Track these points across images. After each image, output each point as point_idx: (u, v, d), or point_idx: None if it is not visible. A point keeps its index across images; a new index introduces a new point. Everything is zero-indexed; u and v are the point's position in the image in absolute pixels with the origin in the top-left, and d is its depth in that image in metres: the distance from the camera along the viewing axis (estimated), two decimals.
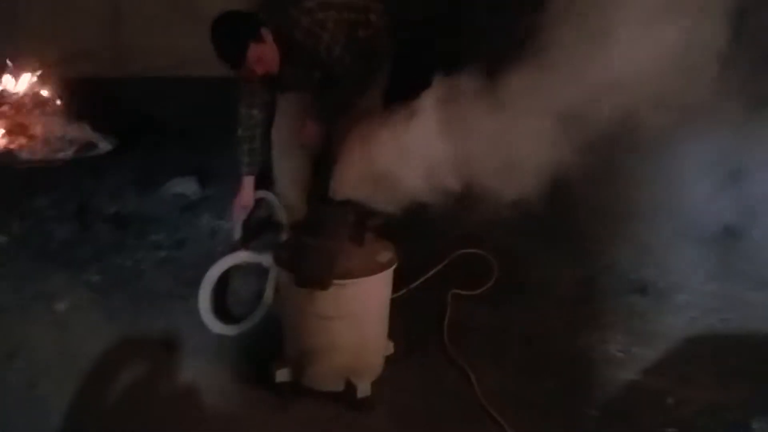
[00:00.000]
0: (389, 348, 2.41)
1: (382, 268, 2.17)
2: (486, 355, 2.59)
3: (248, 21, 2.64)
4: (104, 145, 3.38)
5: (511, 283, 3.13)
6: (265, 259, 2.30)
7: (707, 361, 2.58)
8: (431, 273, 3.02)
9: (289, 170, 3.20)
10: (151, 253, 3.31)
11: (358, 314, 2.18)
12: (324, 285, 2.07)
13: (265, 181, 3.14)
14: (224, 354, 2.57)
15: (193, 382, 2.40)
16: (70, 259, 3.17)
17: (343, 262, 2.11)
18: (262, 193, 3.08)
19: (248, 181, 2.98)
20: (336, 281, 2.08)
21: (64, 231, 3.30)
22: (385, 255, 2.21)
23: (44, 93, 3.77)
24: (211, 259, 2.98)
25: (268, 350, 2.55)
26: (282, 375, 2.27)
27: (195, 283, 2.76)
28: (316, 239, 2.14)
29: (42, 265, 3.10)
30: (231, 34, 2.62)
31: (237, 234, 3.02)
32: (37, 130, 3.47)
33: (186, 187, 3.85)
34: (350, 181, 2.15)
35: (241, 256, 2.40)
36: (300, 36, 2.70)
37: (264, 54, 2.65)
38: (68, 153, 3.32)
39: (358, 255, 2.15)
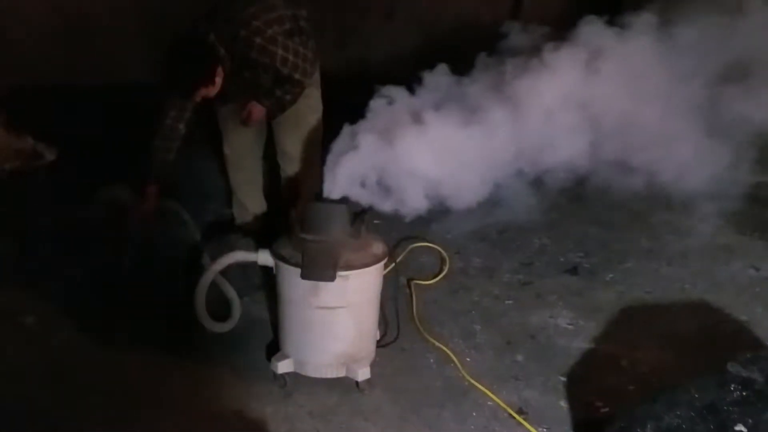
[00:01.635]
0: (377, 334, 2.58)
1: (378, 259, 2.34)
2: (456, 336, 2.83)
3: (208, 50, 2.74)
4: (49, 155, 3.30)
5: (460, 271, 3.40)
6: (262, 257, 2.39)
7: (644, 327, 2.95)
8: (392, 266, 3.20)
9: (244, 181, 3.40)
10: (107, 261, 3.26)
11: (358, 303, 2.33)
12: (330, 277, 2.21)
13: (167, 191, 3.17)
14: (216, 352, 2.63)
15: (192, 381, 2.45)
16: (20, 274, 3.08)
17: (345, 255, 2.26)
18: (167, 203, 3.12)
19: (151, 191, 3.02)
20: (339, 273, 2.23)
21: (6, 245, 3.19)
22: (379, 247, 2.39)
23: None
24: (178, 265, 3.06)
25: (258, 344, 2.68)
26: (284, 366, 2.38)
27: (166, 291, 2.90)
28: (318, 235, 2.28)
29: None
30: (190, 65, 2.70)
31: (130, 245, 3.03)
32: None
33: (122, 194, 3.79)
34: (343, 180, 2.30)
35: (236, 256, 2.47)
36: (255, 55, 2.81)
37: (216, 81, 2.78)
38: (15, 164, 3.21)
39: (356, 248, 2.31)
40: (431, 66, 2.49)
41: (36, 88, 3.99)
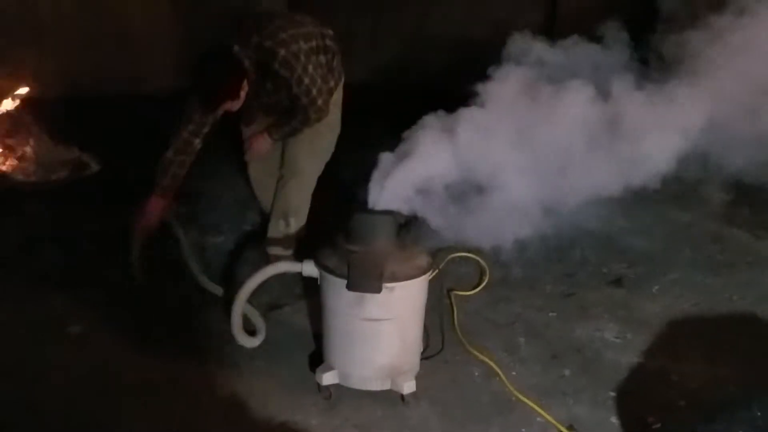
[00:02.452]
0: (421, 346, 2.55)
1: (424, 271, 2.31)
2: (500, 349, 2.78)
3: (233, 63, 2.73)
4: (96, 165, 3.34)
5: (500, 282, 3.36)
6: (307, 268, 2.38)
7: (693, 341, 2.88)
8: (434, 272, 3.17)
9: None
10: (149, 270, 3.28)
11: (403, 315, 2.31)
12: (376, 288, 2.19)
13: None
14: (259, 362, 2.62)
15: (235, 392, 2.45)
16: (68, 280, 3.11)
17: (390, 267, 2.23)
18: (167, 216, 3.12)
19: (157, 203, 3.00)
20: (385, 285, 2.20)
21: (56, 252, 3.23)
22: (424, 259, 2.36)
23: (23, 115, 3.67)
24: (209, 276, 3.07)
25: (300, 354, 2.66)
26: (329, 378, 2.36)
27: (201, 299, 2.97)
28: (364, 246, 2.26)
29: (38, 289, 3.04)
30: (215, 77, 2.70)
31: (134, 255, 3.04)
32: (27, 151, 3.38)
33: None
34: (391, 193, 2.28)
35: (281, 267, 2.46)
36: (277, 67, 2.81)
37: (240, 95, 2.78)
38: (62, 174, 3.26)
39: (401, 260, 2.29)
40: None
41: (78, 98, 4.04)
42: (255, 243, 3.59)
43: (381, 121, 5.18)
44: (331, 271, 2.28)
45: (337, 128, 3.22)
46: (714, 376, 2.59)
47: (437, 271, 2.48)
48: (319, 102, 2.94)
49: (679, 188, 3.80)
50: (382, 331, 2.29)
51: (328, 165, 3.30)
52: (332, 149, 3.25)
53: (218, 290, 3.06)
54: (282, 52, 2.78)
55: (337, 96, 3.15)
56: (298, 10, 3.21)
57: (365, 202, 2.33)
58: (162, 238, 3.19)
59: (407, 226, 2.33)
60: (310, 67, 2.88)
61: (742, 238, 3.72)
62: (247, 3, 5.60)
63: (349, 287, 2.21)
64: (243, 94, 2.80)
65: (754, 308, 3.10)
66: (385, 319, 2.27)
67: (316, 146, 3.19)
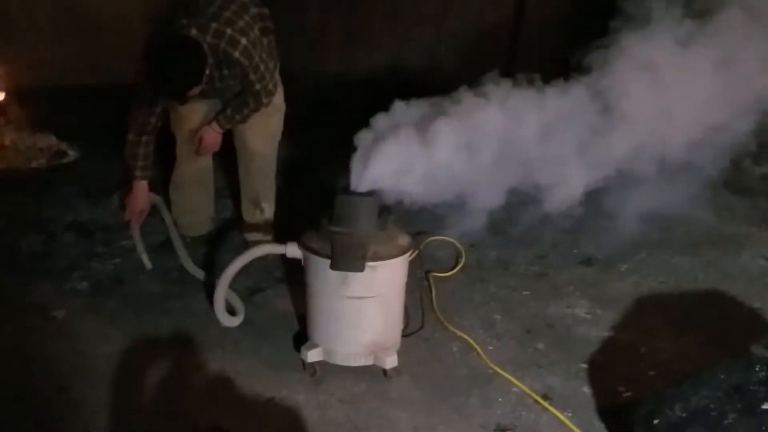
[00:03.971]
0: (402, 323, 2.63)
1: (405, 250, 2.40)
2: (477, 326, 2.88)
3: (200, 52, 2.69)
4: (73, 153, 3.34)
5: (476, 264, 3.46)
6: (290, 250, 2.44)
7: (660, 316, 3.01)
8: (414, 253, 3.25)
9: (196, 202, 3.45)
10: (127, 258, 3.32)
11: (385, 293, 2.39)
12: (359, 267, 2.27)
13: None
14: (244, 343, 2.68)
15: (221, 372, 2.50)
16: (48, 269, 3.13)
17: (373, 247, 2.31)
18: (152, 197, 3.16)
19: (142, 186, 3.03)
20: (368, 264, 2.28)
21: (34, 241, 3.24)
22: (405, 239, 2.44)
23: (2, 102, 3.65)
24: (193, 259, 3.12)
25: (284, 335, 2.73)
26: (314, 355, 2.44)
27: (183, 283, 3.01)
28: (347, 227, 2.33)
29: (19, 277, 3.05)
30: (183, 70, 2.66)
31: (138, 243, 3.08)
32: (5, 139, 3.37)
33: None
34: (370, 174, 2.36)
35: (265, 249, 2.52)
36: (238, 55, 2.79)
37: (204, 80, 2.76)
38: (41, 162, 3.26)
39: (383, 240, 2.37)
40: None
41: (54, 87, 4.03)
42: (234, 230, 3.64)
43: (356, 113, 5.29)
44: (316, 252, 2.35)
45: (283, 108, 3.24)
46: (681, 348, 2.72)
47: (417, 252, 2.57)
48: (270, 86, 2.97)
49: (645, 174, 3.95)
50: (365, 309, 2.37)
51: (300, 157, 3.35)
52: (281, 128, 3.28)
53: (200, 274, 3.11)
54: (243, 40, 2.78)
55: (278, 75, 3.14)
56: None
57: (347, 185, 2.39)
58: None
59: (388, 207, 2.41)
60: (264, 54, 2.90)
61: (707, 221, 3.86)
62: None
63: (333, 267, 2.29)
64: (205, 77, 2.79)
65: (717, 286, 3.24)
66: (369, 297, 2.35)
67: (269, 129, 3.23)
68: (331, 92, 6.12)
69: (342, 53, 6.68)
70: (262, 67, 2.89)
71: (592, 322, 2.95)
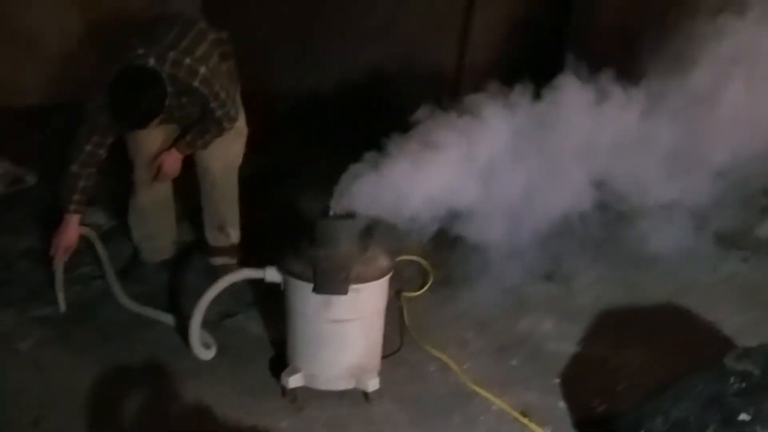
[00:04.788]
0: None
1: (386, 272, 2.42)
2: (452, 344, 2.92)
3: (159, 82, 2.64)
4: (31, 179, 3.21)
5: (443, 282, 3.51)
6: (269, 274, 2.43)
7: (623, 329, 3.11)
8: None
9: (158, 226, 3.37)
10: (90, 284, 3.23)
11: (367, 315, 2.41)
12: (343, 290, 2.28)
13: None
14: (221, 371, 2.64)
15: (200, 401, 2.47)
16: (8, 299, 3.02)
17: (355, 269, 2.33)
18: (83, 230, 3.08)
19: (73, 220, 2.93)
20: (352, 286, 2.30)
21: None
22: (384, 260, 2.47)
23: None
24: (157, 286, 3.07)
25: (260, 360, 2.71)
26: (295, 381, 2.43)
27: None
28: (329, 250, 2.34)
29: None
30: (145, 100, 2.63)
31: (59, 280, 3.00)
32: None
33: (95, 217, 3.75)
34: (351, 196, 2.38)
35: (243, 274, 2.50)
36: (197, 84, 2.76)
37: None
38: None
39: (365, 262, 2.39)
40: None
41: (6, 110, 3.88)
42: (197, 254, 3.59)
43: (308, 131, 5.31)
44: (298, 276, 2.35)
45: (245, 132, 3.21)
46: (647, 361, 2.82)
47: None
48: (232, 112, 2.95)
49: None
50: (348, 332, 2.38)
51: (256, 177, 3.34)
52: (243, 151, 3.25)
53: (135, 306, 3.03)
54: (202, 69, 2.75)
55: (239, 99, 3.13)
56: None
57: (326, 208, 2.40)
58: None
59: (368, 229, 2.43)
60: (224, 81, 2.89)
61: (664, 236, 4.01)
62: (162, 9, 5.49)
63: (316, 290, 2.29)
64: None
65: (672, 298, 3.37)
66: (351, 320, 2.37)
67: (231, 153, 3.19)
68: (281, 111, 6.11)
69: (291, 72, 6.66)
70: (223, 95, 2.87)
71: (560, 337, 3.03)
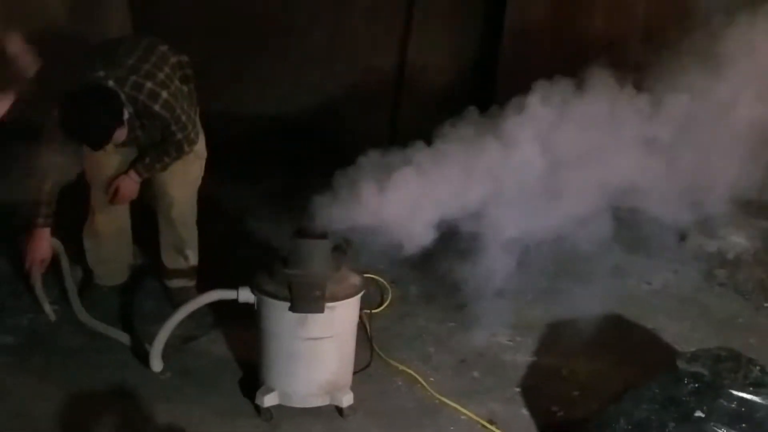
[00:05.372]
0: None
1: (359, 290, 2.50)
2: (415, 359, 3.02)
3: (116, 101, 2.66)
4: None
5: (401, 299, 3.61)
6: (243, 295, 2.47)
7: (572, 340, 3.27)
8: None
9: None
10: (41, 311, 3.15)
11: (342, 333, 2.48)
12: (319, 309, 2.35)
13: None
14: (189, 393, 2.64)
15: (172, 424, 2.46)
16: None
17: (330, 288, 2.40)
18: (53, 243, 3.04)
19: (45, 234, 2.92)
20: (327, 305, 2.37)
21: None
22: (356, 278, 2.54)
23: None
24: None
25: (229, 381, 2.72)
26: (270, 399, 2.46)
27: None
28: (303, 269, 2.40)
29: None
30: (100, 118, 2.63)
31: (40, 293, 2.99)
32: None
33: None
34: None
35: (214, 295, 2.52)
36: (158, 108, 2.77)
37: (122, 133, 2.74)
38: None
39: (338, 280, 2.46)
40: None
41: None
42: (151, 277, 3.56)
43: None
44: (273, 296, 2.39)
45: (204, 155, 3.22)
46: (596, 369, 3.01)
47: None
48: (192, 135, 2.96)
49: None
50: (323, 349, 2.44)
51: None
52: (202, 175, 3.27)
53: (95, 323, 3.01)
54: (164, 94, 2.76)
55: (198, 122, 3.13)
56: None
57: (300, 227, 2.46)
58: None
59: (340, 247, 2.50)
60: (185, 104, 2.90)
61: (599, 252, 4.24)
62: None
63: (293, 309, 2.34)
64: (124, 134, 2.77)
65: (617, 310, 3.58)
66: (326, 337, 2.43)
67: (190, 176, 3.19)
68: (217, 132, 6.10)
69: (229, 92, 6.64)
70: (184, 118, 2.88)
71: (515, 349, 3.18)
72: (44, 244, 2.92)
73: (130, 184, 3.02)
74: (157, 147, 2.99)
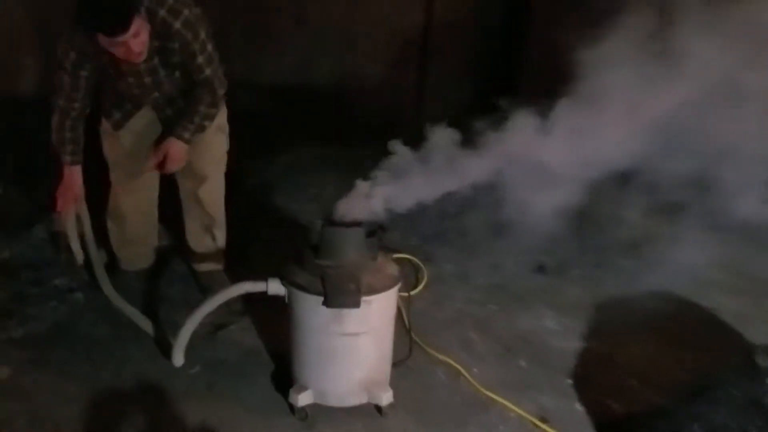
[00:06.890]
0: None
1: (397, 280, 2.29)
2: (456, 347, 2.82)
3: None
4: None
5: (436, 279, 3.41)
6: (272, 287, 2.28)
7: (622, 321, 3.06)
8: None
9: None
10: (65, 298, 3.01)
11: (379, 327, 2.28)
12: (355, 303, 2.15)
13: None
14: (220, 386, 2.49)
15: (203, 423, 2.31)
16: None
17: (365, 280, 2.20)
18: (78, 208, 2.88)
19: (75, 171, 2.78)
20: (363, 298, 2.17)
21: None
22: (394, 268, 2.34)
23: None
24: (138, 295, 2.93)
25: (261, 374, 2.56)
26: (304, 398, 2.29)
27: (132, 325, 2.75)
28: (337, 260, 2.20)
29: None
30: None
31: (73, 235, 2.84)
32: None
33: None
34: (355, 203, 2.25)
35: (244, 287, 2.33)
36: (179, 26, 2.53)
37: (141, 33, 2.44)
38: None
39: (374, 271, 2.25)
40: None
41: None
42: (178, 261, 3.40)
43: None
44: (305, 289, 2.20)
45: (226, 128, 3.03)
46: (652, 355, 2.79)
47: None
48: (220, 73, 2.74)
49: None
50: (360, 345, 2.25)
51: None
52: (227, 149, 3.07)
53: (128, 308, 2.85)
54: (186, 11, 2.53)
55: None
56: None
57: (329, 215, 2.26)
58: None
59: (374, 235, 2.29)
60: (210, 33, 2.65)
61: (639, 221, 4.00)
62: None
63: (327, 304, 2.15)
64: (146, 38, 2.48)
65: (666, 285, 3.34)
66: (363, 333, 2.23)
67: (215, 150, 3.01)
68: (236, 99, 5.88)
69: (246, 58, 6.40)
70: (210, 47, 2.63)
71: (563, 334, 2.97)
72: (76, 180, 2.78)
73: (179, 148, 2.77)
74: (186, 97, 2.78)
